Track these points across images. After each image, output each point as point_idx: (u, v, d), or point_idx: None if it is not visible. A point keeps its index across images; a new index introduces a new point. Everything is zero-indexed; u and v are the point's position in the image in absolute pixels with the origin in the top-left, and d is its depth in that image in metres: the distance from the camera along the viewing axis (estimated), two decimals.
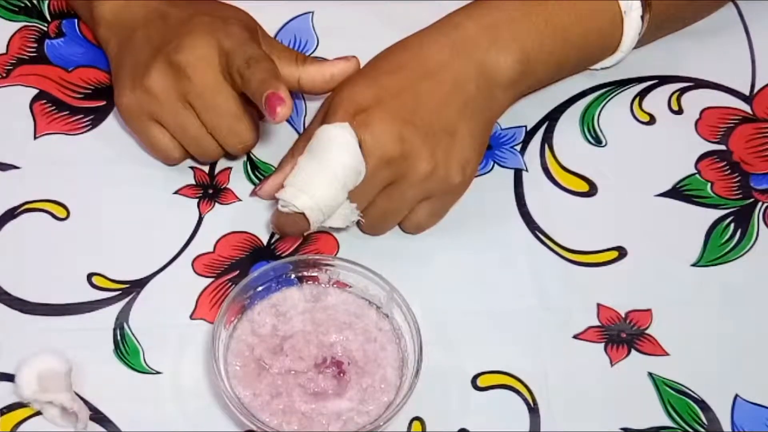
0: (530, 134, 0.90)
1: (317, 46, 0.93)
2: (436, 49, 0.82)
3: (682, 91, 0.92)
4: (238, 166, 0.87)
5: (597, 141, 0.90)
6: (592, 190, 0.87)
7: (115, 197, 0.85)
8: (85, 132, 0.88)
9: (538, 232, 0.85)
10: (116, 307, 0.80)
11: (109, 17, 0.85)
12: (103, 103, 0.89)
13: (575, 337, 0.81)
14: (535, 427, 0.77)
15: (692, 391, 0.79)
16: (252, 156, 0.87)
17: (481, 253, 0.84)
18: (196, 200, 0.85)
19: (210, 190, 0.86)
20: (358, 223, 0.81)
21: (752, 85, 0.93)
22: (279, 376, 0.75)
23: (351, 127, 0.78)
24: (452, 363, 0.79)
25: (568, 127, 0.90)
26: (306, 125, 0.88)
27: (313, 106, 0.88)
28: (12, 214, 0.83)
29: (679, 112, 0.91)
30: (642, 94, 0.92)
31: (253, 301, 0.78)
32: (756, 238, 0.85)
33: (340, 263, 0.79)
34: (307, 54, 0.89)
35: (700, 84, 0.93)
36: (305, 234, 0.83)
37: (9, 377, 0.76)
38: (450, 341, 0.80)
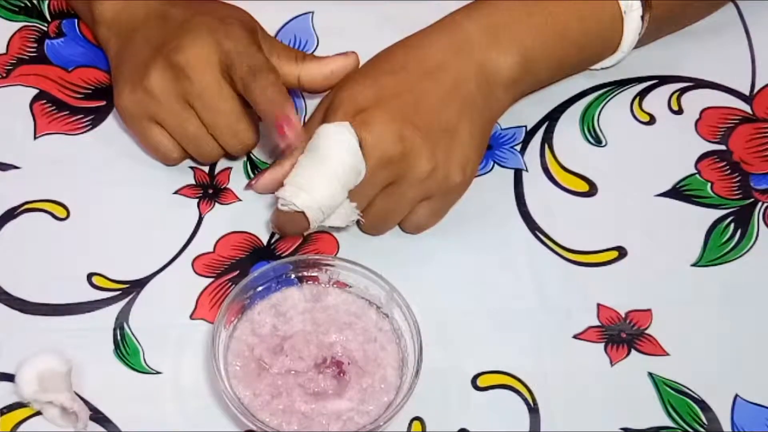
0: (530, 134, 0.90)
1: (317, 46, 0.93)
2: (436, 49, 0.82)
3: (682, 91, 0.92)
4: (238, 166, 0.87)
5: (597, 141, 0.90)
6: (592, 190, 0.87)
7: (115, 197, 0.85)
8: (85, 132, 0.88)
9: (538, 232, 0.85)
10: (116, 307, 0.80)
11: (109, 17, 0.85)
12: (103, 103, 0.89)
13: (575, 337, 0.81)
14: (535, 427, 0.77)
15: (692, 391, 0.79)
16: (252, 156, 0.87)
17: (481, 253, 0.84)
18: (196, 200, 0.85)
19: (210, 190, 0.86)
20: (358, 222, 0.81)
21: (752, 85, 0.93)
22: (279, 376, 0.75)
23: (351, 127, 0.78)
24: (452, 363, 0.79)
25: (568, 127, 0.90)
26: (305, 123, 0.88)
27: (312, 106, 0.88)
28: (12, 214, 0.83)
29: (679, 112, 0.91)
30: (642, 94, 0.92)
31: (253, 301, 0.78)
32: (756, 238, 0.85)
33: (340, 263, 0.79)
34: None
35: (700, 84, 0.93)
36: (305, 234, 0.83)
37: (9, 377, 0.76)
38: (450, 341, 0.80)
